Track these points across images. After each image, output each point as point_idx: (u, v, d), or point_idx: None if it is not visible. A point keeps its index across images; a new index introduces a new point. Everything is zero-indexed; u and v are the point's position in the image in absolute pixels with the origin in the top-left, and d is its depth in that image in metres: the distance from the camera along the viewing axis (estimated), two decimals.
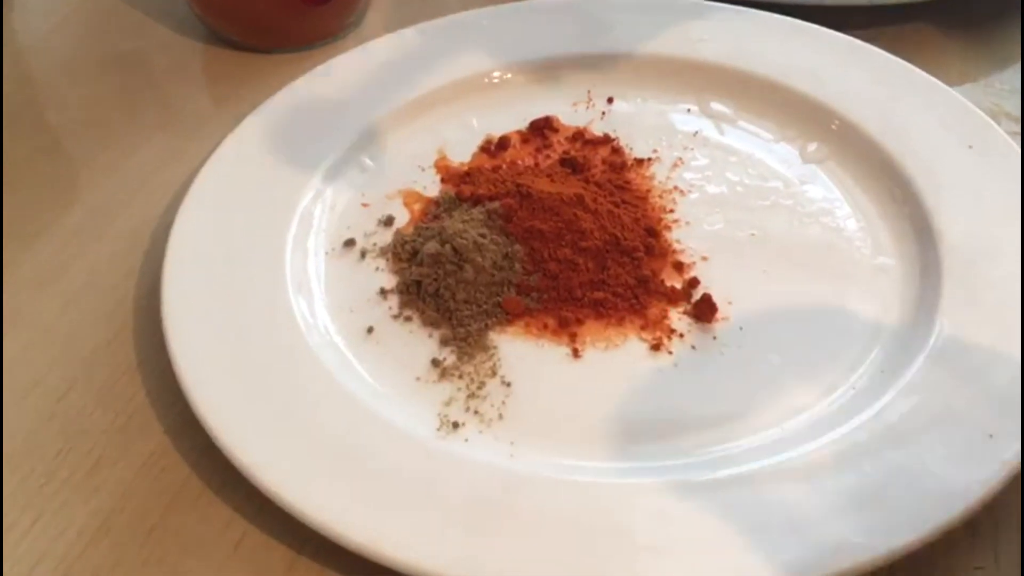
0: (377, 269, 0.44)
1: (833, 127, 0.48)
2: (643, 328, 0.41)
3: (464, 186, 0.47)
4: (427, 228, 0.45)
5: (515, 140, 0.50)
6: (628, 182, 0.47)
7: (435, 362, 0.40)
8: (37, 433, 0.38)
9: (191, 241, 0.43)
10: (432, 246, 0.43)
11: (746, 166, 0.48)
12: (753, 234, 0.45)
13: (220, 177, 0.46)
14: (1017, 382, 0.36)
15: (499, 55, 0.53)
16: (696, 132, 0.50)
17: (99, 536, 0.35)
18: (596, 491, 0.34)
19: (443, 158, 0.49)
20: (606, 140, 0.50)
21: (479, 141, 0.50)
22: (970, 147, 0.45)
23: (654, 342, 0.40)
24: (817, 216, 0.45)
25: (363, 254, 0.45)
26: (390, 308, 0.42)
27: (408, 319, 0.42)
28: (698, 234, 0.45)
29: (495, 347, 0.40)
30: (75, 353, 0.41)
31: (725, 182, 0.47)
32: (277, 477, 0.34)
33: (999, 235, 0.42)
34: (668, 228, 0.45)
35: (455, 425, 0.37)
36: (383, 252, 0.45)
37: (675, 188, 0.47)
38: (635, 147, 0.49)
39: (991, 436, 0.34)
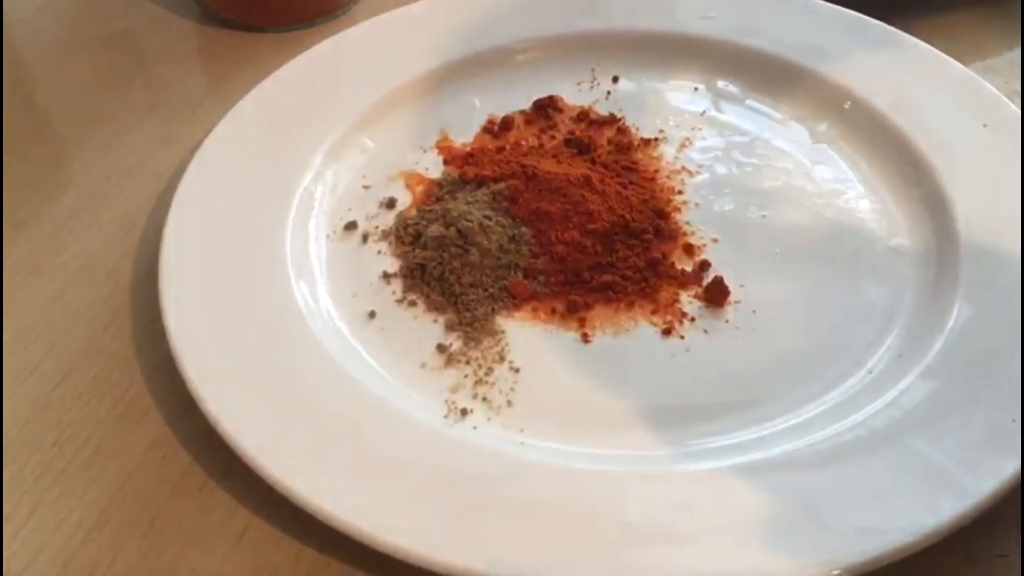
0: (380, 252, 0.43)
1: (846, 106, 0.47)
2: (654, 312, 0.40)
3: (468, 167, 0.46)
4: (430, 210, 0.44)
5: (519, 120, 0.49)
6: (635, 163, 0.46)
7: (441, 348, 0.39)
8: (32, 423, 0.37)
9: (188, 225, 0.41)
10: (436, 229, 0.42)
11: (755, 146, 0.47)
12: (764, 215, 0.44)
13: (216, 159, 0.45)
14: None
15: (501, 33, 0.52)
16: (703, 112, 0.49)
17: (98, 528, 0.34)
18: (608, 479, 0.34)
19: (445, 139, 0.48)
20: (612, 120, 0.49)
21: (482, 121, 0.49)
22: (984, 125, 0.45)
23: (665, 327, 0.39)
24: (829, 197, 0.45)
25: (365, 237, 0.44)
26: (394, 292, 0.41)
27: (412, 304, 0.41)
28: (708, 216, 0.44)
29: (502, 332, 0.39)
30: (70, 340, 0.40)
31: (734, 162, 0.47)
32: (281, 466, 0.33)
33: (1016, 214, 0.41)
34: (677, 210, 0.44)
35: (463, 412, 0.37)
36: (385, 235, 0.44)
37: (683, 168, 0.46)
38: (641, 127, 0.49)
39: (1014, 421, 0.33)
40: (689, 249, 0.42)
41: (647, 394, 0.37)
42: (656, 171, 0.46)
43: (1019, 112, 0.45)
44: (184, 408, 0.36)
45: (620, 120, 0.49)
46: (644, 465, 0.35)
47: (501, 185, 0.43)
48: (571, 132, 0.48)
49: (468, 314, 0.40)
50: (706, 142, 0.48)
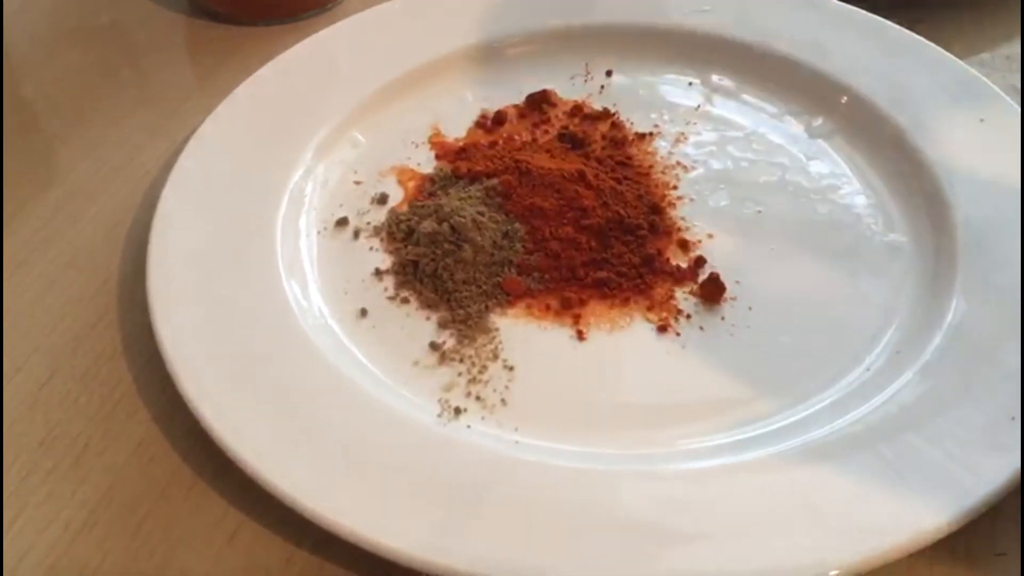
0: (371, 249, 0.42)
1: (842, 101, 0.47)
2: (649, 309, 0.40)
3: (460, 162, 0.45)
4: (423, 206, 0.43)
5: (512, 115, 0.49)
6: (630, 158, 0.46)
7: (434, 345, 0.38)
8: (19, 422, 0.37)
9: (176, 220, 0.41)
10: (429, 225, 0.41)
11: (750, 141, 0.47)
12: (760, 211, 0.43)
13: (205, 154, 0.44)
14: None
15: (494, 26, 0.51)
16: (698, 106, 0.49)
17: (86, 529, 0.34)
18: (604, 478, 0.33)
19: (437, 134, 0.48)
20: (606, 115, 0.48)
21: (474, 116, 0.49)
22: (982, 120, 0.44)
23: (660, 323, 0.39)
24: (825, 192, 0.44)
25: (356, 233, 0.43)
26: (386, 289, 0.41)
27: (405, 301, 0.40)
28: (703, 211, 0.44)
29: (496, 329, 0.39)
30: (57, 338, 0.40)
31: (729, 158, 0.46)
32: (271, 466, 0.33)
33: (1014, 209, 0.40)
34: (672, 205, 0.44)
35: (457, 411, 0.36)
36: (377, 231, 0.43)
37: (678, 164, 0.46)
38: (635, 122, 0.48)
39: (1013, 418, 0.33)
40: (684, 245, 0.42)
41: (643, 392, 0.37)
42: (651, 166, 0.46)
43: (1017, 107, 0.44)
44: (173, 407, 0.36)
45: (614, 115, 0.48)
46: (640, 464, 0.34)
47: (494, 181, 0.43)
48: (565, 127, 0.48)
49: (461, 311, 0.39)
50: (701, 137, 0.47)
